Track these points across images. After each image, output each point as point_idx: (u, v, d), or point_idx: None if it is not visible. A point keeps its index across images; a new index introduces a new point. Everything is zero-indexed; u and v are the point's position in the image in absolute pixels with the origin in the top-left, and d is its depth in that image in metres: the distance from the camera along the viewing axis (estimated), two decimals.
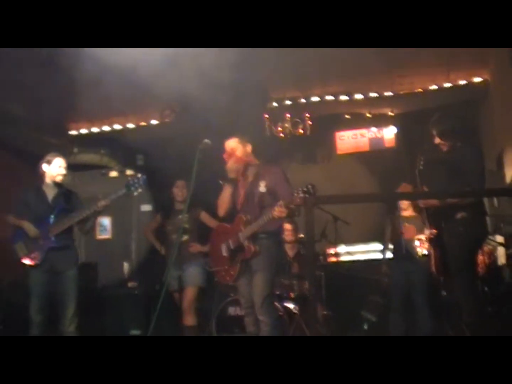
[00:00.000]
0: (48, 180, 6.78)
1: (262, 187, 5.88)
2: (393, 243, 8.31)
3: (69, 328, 6.47)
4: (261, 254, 5.82)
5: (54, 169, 6.75)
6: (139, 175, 6.59)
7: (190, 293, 7.37)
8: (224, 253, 6.02)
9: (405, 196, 7.41)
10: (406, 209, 8.09)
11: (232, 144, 6.06)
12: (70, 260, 6.67)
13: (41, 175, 6.80)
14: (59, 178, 6.76)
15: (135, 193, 6.50)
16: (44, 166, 6.77)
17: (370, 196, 6.75)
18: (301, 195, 5.25)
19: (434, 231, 6.15)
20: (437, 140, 5.98)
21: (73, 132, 11.19)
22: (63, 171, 6.78)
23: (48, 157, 6.78)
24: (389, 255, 8.41)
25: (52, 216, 6.60)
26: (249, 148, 6.13)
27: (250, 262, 5.86)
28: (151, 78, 7.32)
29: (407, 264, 7.90)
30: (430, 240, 6.30)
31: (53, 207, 6.67)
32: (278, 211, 5.46)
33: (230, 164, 6.02)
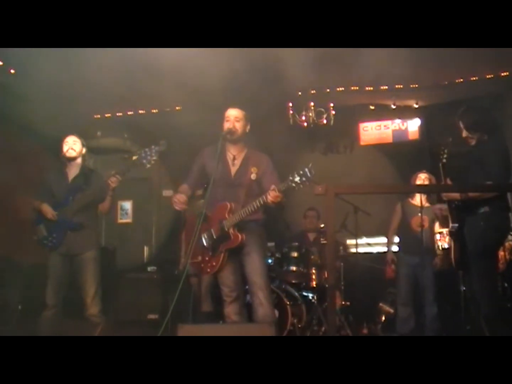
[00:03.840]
0: (65, 160, 6.81)
1: (253, 175, 5.72)
2: (405, 235, 8.27)
3: (90, 311, 6.44)
4: (252, 237, 5.68)
5: (65, 147, 6.76)
6: (152, 146, 6.46)
7: (206, 279, 7.35)
8: (205, 243, 5.76)
9: (426, 189, 7.38)
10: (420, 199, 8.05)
11: (241, 114, 5.82)
12: (88, 242, 6.60)
13: (62, 158, 6.84)
14: (69, 153, 6.73)
15: (148, 165, 6.37)
16: (62, 149, 6.82)
17: (392, 188, 6.71)
18: (297, 178, 5.12)
19: (456, 224, 6.09)
20: (464, 134, 5.92)
21: (97, 116, 11.19)
22: (69, 145, 6.74)
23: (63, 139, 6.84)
24: (395, 247, 8.42)
25: (70, 197, 6.56)
26: (248, 128, 5.93)
27: (238, 249, 5.68)
28: (175, 66, 7.34)
29: (420, 256, 7.87)
30: (451, 233, 6.25)
31: (71, 188, 6.64)
32: (273, 195, 5.23)
33: (241, 126, 5.81)
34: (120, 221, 12.41)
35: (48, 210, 6.54)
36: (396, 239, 8.58)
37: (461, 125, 5.92)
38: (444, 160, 6.08)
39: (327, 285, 7.95)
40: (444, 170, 6.08)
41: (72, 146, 6.75)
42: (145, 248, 11.85)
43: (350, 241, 9.45)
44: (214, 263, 5.67)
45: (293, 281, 8.37)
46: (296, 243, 8.69)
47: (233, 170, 5.85)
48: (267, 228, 6.01)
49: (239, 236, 5.57)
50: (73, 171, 6.78)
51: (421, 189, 7.43)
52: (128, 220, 12.44)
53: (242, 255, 5.72)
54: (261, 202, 5.40)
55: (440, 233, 7.75)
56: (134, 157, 6.38)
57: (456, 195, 5.90)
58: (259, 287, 5.63)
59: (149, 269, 9.78)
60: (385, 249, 8.97)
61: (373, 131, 11.47)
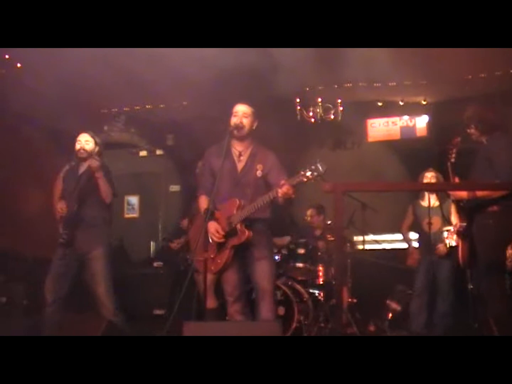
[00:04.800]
0: (77, 159, 6.76)
1: (259, 171, 5.62)
2: (417, 233, 8.26)
3: (105, 310, 6.37)
4: (261, 241, 5.61)
5: (76, 146, 6.70)
6: (119, 115, 6.39)
7: (210, 276, 7.30)
8: (211, 240, 5.62)
9: (434, 187, 7.34)
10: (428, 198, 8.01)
11: (249, 110, 5.70)
12: (95, 240, 6.53)
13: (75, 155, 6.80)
14: (79, 153, 6.67)
15: (114, 131, 6.30)
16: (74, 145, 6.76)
17: (400, 185, 6.67)
18: (309, 173, 5.08)
19: (464, 223, 6.08)
20: (469, 130, 5.91)
21: (104, 110, 11.18)
22: (81, 145, 6.67)
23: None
24: (415, 244, 8.38)
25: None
26: (255, 125, 5.79)
27: (246, 249, 5.59)
28: (181, 60, 7.32)
29: (433, 255, 7.85)
30: (458, 232, 6.24)
31: (78, 184, 6.57)
32: (286, 189, 5.08)
33: (249, 122, 5.68)
34: (126, 215, 12.39)
35: (59, 207, 6.53)
36: (413, 235, 8.56)
37: (467, 122, 5.92)
38: (453, 160, 6.06)
39: (334, 282, 7.95)
40: (452, 170, 6.06)
41: (84, 146, 6.69)
42: (152, 243, 11.83)
43: (357, 238, 9.42)
44: (219, 261, 5.58)
45: (300, 278, 8.33)
46: (303, 240, 8.67)
47: (239, 166, 5.74)
48: (274, 225, 5.95)
49: (246, 232, 5.46)
50: (83, 168, 6.72)
51: (429, 186, 7.40)
52: (135, 214, 12.41)
53: (251, 260, 5.62)
54: (271, 196, 5.31)
55: (447, 230, 7.73)
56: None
57: (463, 194, 5.88)
58: (269, 293, 5.54)
59: (155, 264, 9.78)
60: (392, 245, 8.96)
61: (381, 128, 11.42)
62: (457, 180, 6.01)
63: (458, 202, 6.08)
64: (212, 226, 5.58)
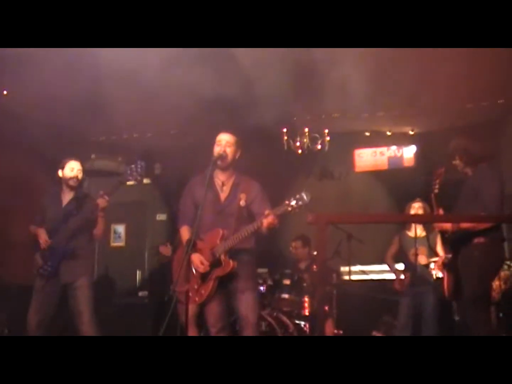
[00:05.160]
0: (63, 185, 6.70)
1: (242, 201, 5.58)
2: (403, 264, 8.22)
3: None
4: (244, 271, 5.55)
5: (67, 172, 6.63)
6: (138, 161, 6.36)
7: (193, 307, 7.24)
8: (194, 271, 5.57)
9: (420, 219, 7.32)
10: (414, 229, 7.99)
11: (233, 139, 5.65)
12: (79, 270, 6.47)
13: (58, 181, 6.74)
14: (72, 182, 6.62)
15: (135, 182, 6.29)
16: (59, 172, 6.68)
17: (386, 217, 6.64)
18: (293, 203, 5.04)
19: (449, 254, 6.07)
20: (455, 161, 5.91)
21: (92, 139, 11.16)
22: (75, 173, 6.62)
23: (62, 162, 6.68)
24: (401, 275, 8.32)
25: (63, 223, 6.44)
26: (238, 154, 5.76)
27: (230, 280, 5.52)
28: (168, 89, 7.31)
29: (418, 286, 7.81)
30: (444, 264, 6.22)
31: (64, 213, 6.52)
32: (270, 219, 5.13)
33: (232, 151, 5.64)
34: (112, 244, 12.31)
35: (42, 238, 6.43)
36: (399, 266, 8.50)
37: (452, 153, 5.93)
38: (436, 191, 6.06)
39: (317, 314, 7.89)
40: (436, 200, 6.05)
41: (78, 174, 6.65)
42: (138, 272, 11.75)
43: (344, 268, 9.36)
44: (203, 292, 5.51)
45: (285, 309, 8.26)
46: (289, 270, 8.62)
47: (223, 196, 5.70)
48: (260, 254, 5.90)
49: (231, 263, 5.41)
50: (67, 196, 6.68)
51: (415, 218, 7.37)
52: (121, 243, 12.33)
53: (235, 291, 5.55)
54: (256, 227, 5.30)
55: (434, 262, 7.70)
56: (120, 176, 6.32)
57: (448, 226, 5.87)
58: (252, 325, 5.48)
59: (140, 294, 9.70)
60: (379, 276, 8.92)
61: (369, 158, 11.43)
62: (441, 211, 6.00)
63: (443, 234, 6.06)
64: (196, 257, 5.52)
